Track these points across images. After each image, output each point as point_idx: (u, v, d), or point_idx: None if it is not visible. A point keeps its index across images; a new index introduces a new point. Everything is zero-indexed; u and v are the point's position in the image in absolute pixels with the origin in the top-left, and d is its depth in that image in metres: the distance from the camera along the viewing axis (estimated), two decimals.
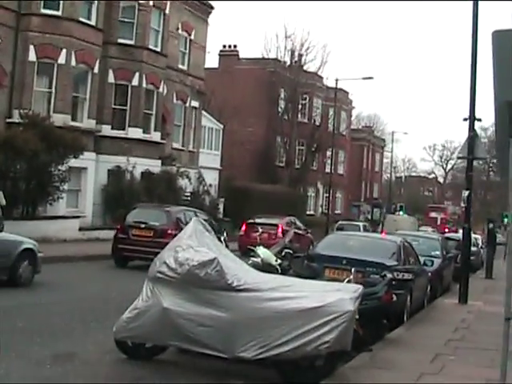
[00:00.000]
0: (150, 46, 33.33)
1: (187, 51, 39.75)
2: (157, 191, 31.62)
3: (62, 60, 27.99)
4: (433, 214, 72.45)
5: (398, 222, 48.98)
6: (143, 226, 20.51)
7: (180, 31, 38.52)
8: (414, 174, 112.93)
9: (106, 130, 31.34)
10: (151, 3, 33.01)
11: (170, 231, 18.90)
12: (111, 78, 31.84)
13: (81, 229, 27.20)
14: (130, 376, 8.13)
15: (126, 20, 32.31)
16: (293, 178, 57.19)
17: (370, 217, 70.70)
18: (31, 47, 27.42)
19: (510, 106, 5.05)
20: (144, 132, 32.99)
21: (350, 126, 76.04)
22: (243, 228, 29.43)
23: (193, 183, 37.65)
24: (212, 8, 42.49)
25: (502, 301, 17.85)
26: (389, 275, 11.27)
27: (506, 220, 63.95)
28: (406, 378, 8.50)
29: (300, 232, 29.40)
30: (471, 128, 17.11)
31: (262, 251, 11.40)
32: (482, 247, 37.10)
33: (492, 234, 30.41)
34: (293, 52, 57.66)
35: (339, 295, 8.09)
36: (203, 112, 43.02)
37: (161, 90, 34.40)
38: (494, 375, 8.80)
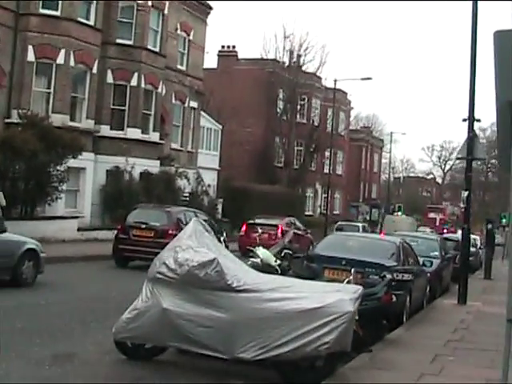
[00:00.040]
0: (149, 47, 33.31)
1: (186, 51, 39.74)
2: (155, 191, 31.62)
3: (60, 60, 27.97)
4: (431, 215, 72.44)
5: (397, 223, 49.09)
6: (144, 226, 20.59)
7: (179, 31, 38.50)
8: (412, 174, 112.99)
9: (105, 130, 31.33)
10: (150, 3, 33.00)
11: (170, 231, 18.93)
12: (110, 79, 31.82)
13: (79, 229, 27.18)
14: (129, 376, 8.12)
15: (124, 20, 32.29)
16: (291, 179, 57.19)
17: (368, 217, 70.73)
18: (30, 47, 27.41)
19: None
20: (143, 132, 32.97)
21: (349, 126, 76.07)
22: (243, 228, 29.50)
23: (191, 183, 37.63)
24: (211, 8, 42.49)
25: (501, 301, 17.86)
26: (388, 276, 11.27)
27: (504, 221, 64.07)
28: (406, 378, 8.49)
29: (300, 232, 29.48)
30: (470, 128, 17.11)
31: (261, 252, 11.40)
32: (480, 248, 37.14)
33: (491, 234, 30.42)
34: (291, 52, 57.69)
35: (339, 296, 8.08)
36: (202, 112, 43.00)
37: (159, 90, 34.39)
38: (493, 375, 8.79)
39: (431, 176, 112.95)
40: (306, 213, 58.69)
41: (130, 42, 32.42)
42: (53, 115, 26.97)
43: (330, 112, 59.33)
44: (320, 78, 61.57)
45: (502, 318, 14.64)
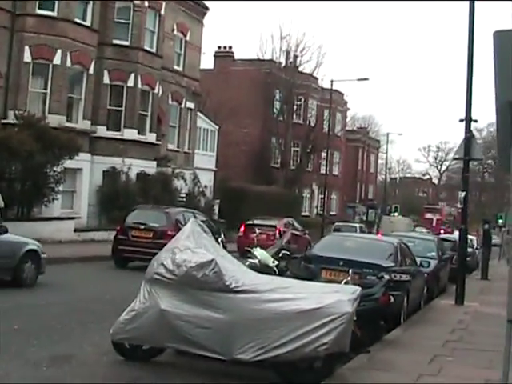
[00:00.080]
0: (146, 47, 33.31)
1: (182, 52, 39.72)
2: (152, 192, 31.61)
3: (57, 61, 27.95)
4: (429, 215, 72.50)
5: (394, 224, 49.27)
6: (143, 227, 20.73)
7: (175, 32, 38.48)
8: (408, 175, 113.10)
9: (102, 130, 31.31)
10: (146, 4, 32.98)
11: (169, 232, 18.97)
12: (106, 79, 31.81)
13: (76, 230, 27.14)
14: (127, 377, 8.09)
15: (121, 21, 32.29)
16: (288, 179, 57.19)
17: (365, 218, 70.78)
18: (26, 48, 27.39)
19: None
20: (139, 133, 32.95)
21: (345, 127, 76.09)
22: (242, 229, 29.71)
23: (188, 184, 37.64)
24: (207, 9, 42.49)
25: (499, 302, 17.93)
26: (386, 276, 11.25)
27: (500, 221, 64.09)
28: (405, 379, 8.48)
29: (297, 233, 29.55)
30: (467, 129, 17.11)
31: (259, 252, 11.38)
32: (477, 248, 37.17)
33: (488, 234, 30.44)
34: (288, 53, 57.67)
35: (337, 297, 8.06)
36: (198, 113, 42.99)
37: (156, 90, 34.37)
38: (492, 376, 8.78)
39: (427, 177, 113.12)
40: (303, 213, 58.74)
41: (127, 43, 32.41)
42: (49, 116, 26.94)
43: (326, 113, 59.34)
44: (316, 78, 61.57)
45: (499, 318, 14.66)
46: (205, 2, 42.24)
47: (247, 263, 10.62)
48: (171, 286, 8.21)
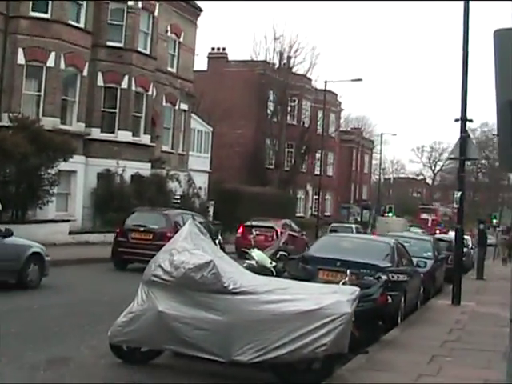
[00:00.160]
0: (139, 49, 33.25)
1: (176, 54, 39.66)
2: (147, 194, 31.56)
3: (50, 63, 27.86)
4: (424, 216, 72.52)
5: (390, 224, 49.61)
6: (142, 229, 20.97)
7: (169, 34, 38.43)
8: (402, 175, 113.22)
9: (96, 133, 31.26)
10: (140, 5, 32.92)
11: (168, 234, 18.98)
12: (100, 81, 31.73)
13: (71, 232, 27.06)
14: (125, 379, 8.05)
15: (114, 22, 32.21)
16: (282, 180, 57.19)
17: (359, 218, 70.79)
18: (20, 50, 27.30)
19: None
20: (133, 135, 32.89)
21: (339, 127, 76.11)
22: (240, 230, 29.87)
23: (183, 186, 37.60)
24: (201, 10, 42.46)
25: (495, 302, 17.93)
26: (384, 277, 11.22)
27: (494, 221, 64.21)
28: (405, 379, 8.47)
29: (295, 234, 29.63)
30: (463, 129, 17.10)
31: (256, 253, 11.34)
32: (471, 248, 37.21)
33: (483, 234, 30.47)
34: (281, 54, 57.69)
35: (336, 297, 8.03)
36: (192, 115, 42.94)
37: (150, 92, 34.32)
38: (492, 376, 8.78)
39: (421, 177, 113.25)
40: (297, 214, 58.71)
41: (121, 45, 32.33)
42: (43, 118, 26.87)
43: (320, 113, 59.43)
44: (310, 79, 61.56)
45: (496, 318, 14.69)
46: (198, 4, 42.23)
47: (245, 264, 10.58)
48: (169, 288, 8.17)
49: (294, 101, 61.20)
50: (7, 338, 9.53)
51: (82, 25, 29.52)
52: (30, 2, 27.59)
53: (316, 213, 54.91)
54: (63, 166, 26.03)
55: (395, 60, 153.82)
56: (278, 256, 11.85)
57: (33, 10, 27.67)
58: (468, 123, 17.51)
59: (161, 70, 36.64)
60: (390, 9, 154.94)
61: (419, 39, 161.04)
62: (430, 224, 67.26)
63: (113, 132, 32.04)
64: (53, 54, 27.82)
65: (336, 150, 72.67)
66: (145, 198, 30.77)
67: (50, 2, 27.90)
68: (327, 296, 8.10)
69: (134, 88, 32.68)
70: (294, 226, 32.35)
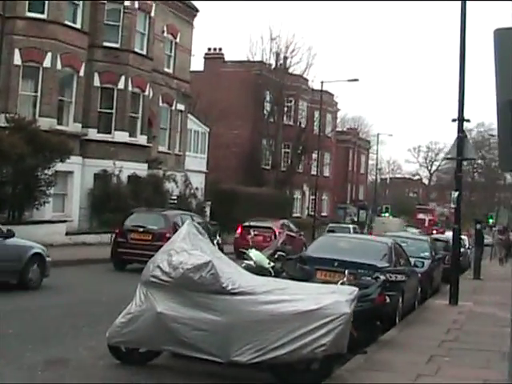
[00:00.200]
0: (136, 49, 33.23)
1: (173, 54, 39.67)
2: (143, 195, 31.54)
3: (47, 63, 27.84)
4: (421, 216, 72.61)
5: (386, 224, 49.78)
6: (141, 229, 21.09)
7: (165, 34, 38.43)
8: (398, 175, 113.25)
9: (92, 133, 31.24)
10: (136, 6, 32.90)
11: (167, 235, 19.00)
12: (97, 82, 31.70)
13: (67, 233, 27.01)
14: (123, 380, 8.04)
15: (111, 23, 32.20)
16: (279, 181, 57.19)
17: (356, 219, 70.78)
18: (16, 51, 27.27)
19: None
20: (130, 135, 32.87)
21: (336, 128, 76.12)
22: (239, 231, 29.90)
23: (179, 186, 37.57)
24: (197, 11, 42.45)
25: (493, 301, 17.94)
26: (382, 277, 11.21)
27: (491, 221, 64.29)
28: (404, 379, 8.47)
29: (293, 234, 29.68)
30: (460, 129, 17.11)
31: (254, 254, 11.31)
32: (468, 248, 37.23)
33: (480, 234, 30.52)
34: (278, 54, 57.71)
35: (335, 297, 8.02)
36: (189, 115, 42.93)
37: (147, 93, 34.30)
38: (491, 376, 8.78)
39: (417, 177, 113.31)
40: (294, 215, 58.71)
41: (117, 45, 32.32)
42: (40, 119, 26.83)
43: (316, 114, 59.38)
44: (307, 79, 61.61)
45: (494, 318, 14.70)
46: (194, 4, 42.22)
47: (243, 265, 10.56)
48: (167, 289, 8.16)
49: (291, 101, 61.24)
50: (7, 339, 9.54)
51: (78, 25, 29.50)
52: (27, 3, 27.60)
53: (313, 213, 54.88)
54: (60, 166, 25.99)
55: (391, 60, 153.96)
56: (276, 256, 11.83)
57: (29, 11, 27.65)
58: (464, 123, 17.52)
59: (157, 71, 36.63)
60: (386, 9, 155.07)
61: (416, 39, 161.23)
62: (426, 224, 67.35)
63: (109, 132, 32.01)
64: (49, 55, 27.79)
65: (332, 151, 72.71)
66: (141, 198, 30.74)
67: (47, 2, 27.89)
68: (326, 296, 8.09)
69: (130, 88, 32.66)
70: (292, 226, 32.41)
